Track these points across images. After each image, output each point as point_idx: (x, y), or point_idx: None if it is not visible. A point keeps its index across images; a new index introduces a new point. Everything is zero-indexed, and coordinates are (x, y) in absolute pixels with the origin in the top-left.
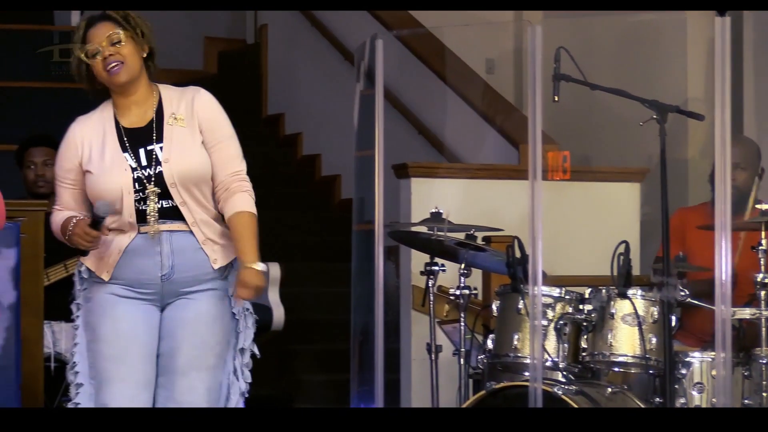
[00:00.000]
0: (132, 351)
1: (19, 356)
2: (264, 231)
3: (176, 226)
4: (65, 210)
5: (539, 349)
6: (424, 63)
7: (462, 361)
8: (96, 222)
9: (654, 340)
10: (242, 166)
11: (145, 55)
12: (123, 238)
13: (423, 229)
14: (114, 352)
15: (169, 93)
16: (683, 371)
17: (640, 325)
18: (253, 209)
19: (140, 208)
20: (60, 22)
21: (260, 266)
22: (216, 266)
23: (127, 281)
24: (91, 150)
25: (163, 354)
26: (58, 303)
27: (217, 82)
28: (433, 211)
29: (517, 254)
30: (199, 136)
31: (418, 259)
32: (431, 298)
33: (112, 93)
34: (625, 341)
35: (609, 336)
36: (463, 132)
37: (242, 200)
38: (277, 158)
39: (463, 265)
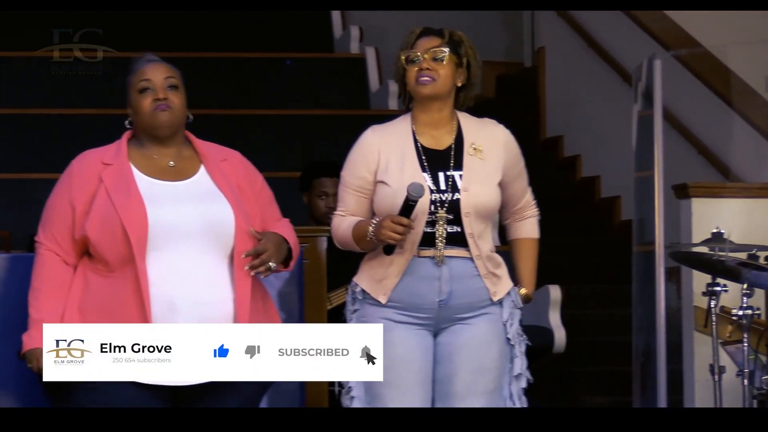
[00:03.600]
0: (408, 376)
1: None
2: (544, 254)
3: (457, 252)
4: (349, 216)
5: None
6: (702, 82)
7: (746, 382)
8: (408, 207)
9: None
10: (531, 195)
11: (460, 84)
12: (401, 260)
13: (704, 249)
14: (390, 378)
15: (468, 121)
16: None
17: None
18: (538, 235)
19: (427, 230)
20: (340, 48)
21: (526, 293)
22: (495, 299)
23: (403, 305)
24: (388, 162)
25: (440, 379)
26: None
27: (495, 106)
28: (715, 231)
29: None
30: (499, 172)
31: (699, 280)
32: (714, 318)
33: (414, 106)
34: None
35: None
36: (744, 151)
37: (531, 226)
38: (556, 181)
39: (745, 285)
